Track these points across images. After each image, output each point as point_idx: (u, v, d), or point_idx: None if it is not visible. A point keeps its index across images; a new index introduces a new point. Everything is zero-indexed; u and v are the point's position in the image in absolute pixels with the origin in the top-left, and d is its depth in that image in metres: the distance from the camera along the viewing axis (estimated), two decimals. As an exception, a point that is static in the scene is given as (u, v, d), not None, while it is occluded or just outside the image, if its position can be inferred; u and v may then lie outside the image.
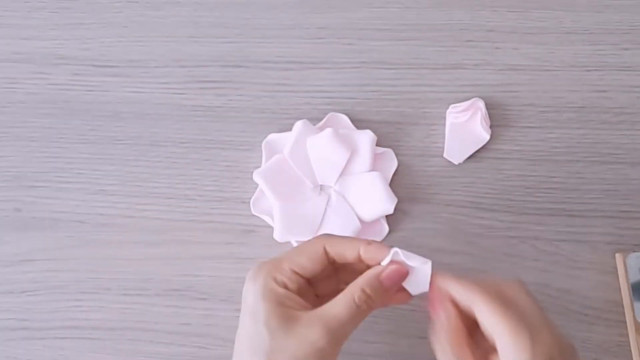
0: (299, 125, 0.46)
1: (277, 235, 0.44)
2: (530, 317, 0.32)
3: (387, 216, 0.45)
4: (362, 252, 0.35)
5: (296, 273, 0.35)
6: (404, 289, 0.35)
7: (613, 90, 0.48)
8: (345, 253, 0.35)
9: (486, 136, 0.46)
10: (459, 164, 0.46)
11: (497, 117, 0.47)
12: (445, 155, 0.47)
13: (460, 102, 0.47)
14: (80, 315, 0.45)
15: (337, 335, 0.33)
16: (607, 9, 0.49)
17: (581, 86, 0.48)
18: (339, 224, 0.45)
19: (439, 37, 0.50)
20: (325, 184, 0.46)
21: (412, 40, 0.50)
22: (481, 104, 0.46)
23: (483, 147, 0.47)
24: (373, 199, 0.44)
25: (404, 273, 0.35)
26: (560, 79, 0.48)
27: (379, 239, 0.45)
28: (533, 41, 0.49)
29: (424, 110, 0.48)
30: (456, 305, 0.34)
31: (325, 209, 0.45)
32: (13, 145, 0.49)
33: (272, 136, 0.47)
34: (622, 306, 0.43)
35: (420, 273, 0.35)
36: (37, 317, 0.46)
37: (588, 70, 0.48)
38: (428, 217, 0.46)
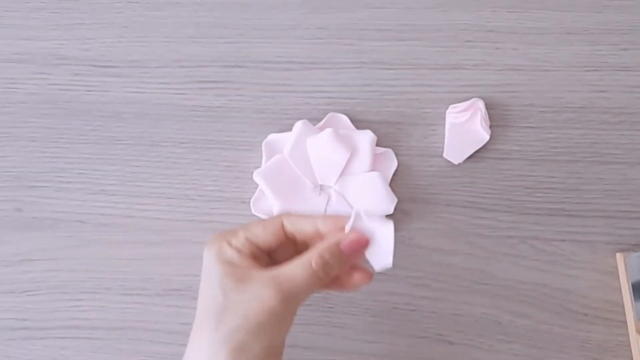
0: (299, 125, 0.46)
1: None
2: None
3: (387, 216, 0.45)
4: (319, 225, 0.35)
5: (250, 241, 0.35)
6: (364, 271, 0.36)
7: (612, 91, 0.48)
8: (304, 228, 0.35)
9: (486, 136, 0.46)
10: (459, 164, 0.46)
11: (497, 117, 0.47)
12: (445, 155, 0.47)
13: (460, 102, 0.47)
14: (80, 315, 0.45)
15: (290, 296, 0.33)
16: (606, 9, 0.49)
17: (581, 86, 0.48)
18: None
19: (439, 38, 0.50)
20: (325, 184, 0.46)
21: (412, 41, 0.50)
22: (481, 104, 0.46)
23: (483, 147, 0.47)
24: (373, 199, 0.44)
25: (364, 242, 0.35)
26: (559, 79, 0.48)
27: None
28: (533, 41, 0.49)
29: (424, 110, 0.48)
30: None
31: (325, 209, 0.45)
32: (14, 146, 0.49)
33: (272, 136, 0.47)
34: (622, 306, 0.44)
35: (382, 242, 0.34)
36: (38, 317, 0.46)
37: (588, 71, 0.48)
38: (428, 217, 0.46)
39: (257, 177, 0.45)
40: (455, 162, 0.46)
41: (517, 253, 0.45)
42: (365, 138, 0.46)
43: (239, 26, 0.51)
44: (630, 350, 0.43)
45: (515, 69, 0.49)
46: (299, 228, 0.35)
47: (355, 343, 0.44)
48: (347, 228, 0.34)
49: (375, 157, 0.46)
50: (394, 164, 0.47)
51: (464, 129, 0.47)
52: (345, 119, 0.48)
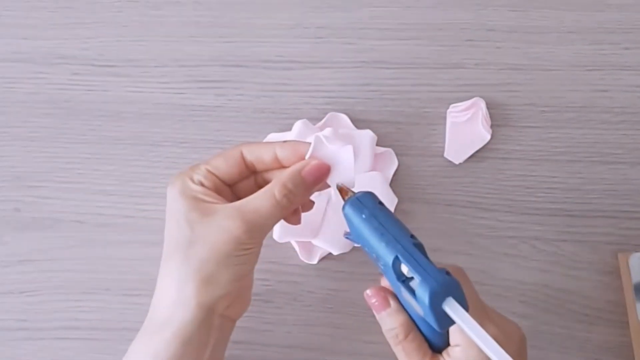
0: (298, 125, 0.46)
1: (277, 236, 0.44)
2: (475, 304, 0.32)
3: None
4: (278, 152, 0.35)
5: (212, 173, 0.35)
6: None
7: (614, 90, 0.48)
8: (263, 156, 0.35)
9: (487, 136, 0.46)
10: (460, 163, 0.46)
11: (497, 117, 0.47)
12: (445, 155, 0.46)
13: (461, 101, 0.47)
14: (80, 315, 0.45)
15: (255, 226, 0.33)
16: (608, 8, 0.49)
17: (582, 86, 0.48)
18: (339, 224, 0.44)
19: (439, 37, 0.49)
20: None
21: (412, 40, 0.50)
22: (482, 103, 0.46)
23: (484, 147, 0.47)
24: None
25: (325, 168, 0.35)
26: (560, 78, 0.48)
27: None
28: (534, 41, 0.49)
29: (424, 110, 0.48)
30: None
31: (326, 209, 0.45)
32: (13, 145, 0.49)
33: (272, 135, 0.47)
34: (623, 306, 0.43)
35: (344, 163, 0.35)
36: (37, 317, 0.46)
37: (589, 70, 0.48)
38: (428, 217, 0.46)
39: None
40: (456, 162, 0.46)
41: (518, 253, 0.45)
42: (366, 137, 0.45)
43: (239, 26, 0.51)
44: (632, 351, 0.43)
45: (516, 68, 0.48)
46: (258, 156, 0.36)
47: (355, 343, 0.44)
48: (308, 155, 0.35)
49: (376, 157, 0.46)
50: (394, 164, 0.47)
51: (464, 128, 0.47)
52: (345, 118, 0.47)
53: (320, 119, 0.47)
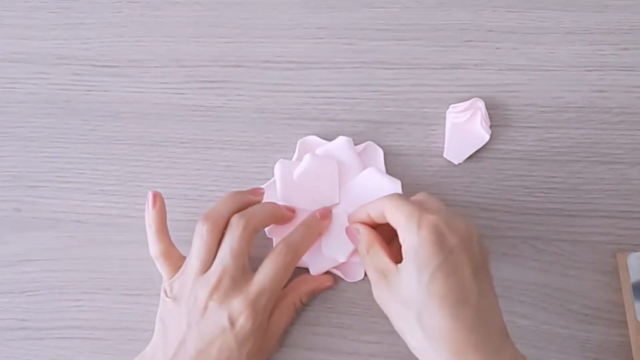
0: (278, 167, 0.45)
1: (314, 271, 0.44)
2: (427, 205, 0.37)
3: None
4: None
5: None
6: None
7: (613, 91, 0.48)
8: None
9: (486, 136, 0.46)
10: (459, 164, 0.46)
11: (497, 117, 0.47)
12: (445, 155, 0.47)
13: (460, 102, 0.47)
14: (80, 315, 0.45)
15: (280, 337, 0.43)
16: (607, 8, 0.49)
17: (581, 86, 0.48)
18: (336, 239, 0.44)
19: (439, 37, 0.50)
20: (332, 204, 0.45)
21: (412, 40, 0.50)
22: (481, 104, 0.46)
23: (483, 147, 0.47)
24: (379, 191, 0.44)
25: (331, 285, 0.44)
26: (560, 79, 0.48)
27: None
28: (533, 41, 0.49)
29: (424, 110, 0.48)
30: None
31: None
32: (13, 145, 0.49)
33: (311, 138, 0.47)
34: (622, 306, 0.43)
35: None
36: (37, 317, 0.46)
37: (588, 70, 0.48)
38: (428, 217, 0.46)
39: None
40: (456, 162, 0.46)
41: (518, 253, 0.45)
42: (342, 145, 0.45)
43: (239, 26, 0.51)
44: (631, 350, 0.43)
45: (515, 68, 0.49)
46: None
47: (355, 343, 0.44)
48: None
49: (360, 155, 0.46)
50: (380, 153, 0.47)
51: (464, 128, 0.47)
52: (315, 138, 0.47)
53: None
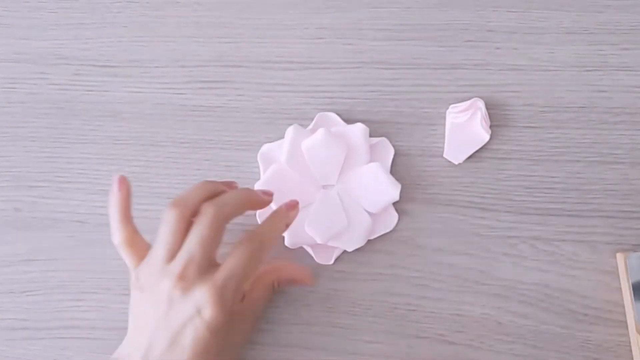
0: (290, 131, 0.46)
1: (289, 242, 0.44)
2: None
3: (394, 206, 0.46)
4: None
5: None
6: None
7: (613, 90, 0.48)
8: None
9: (486, 136, 0.46)
10: (459, 164, 0.46)
11: (497, 117, 0.47)
12: (445, 155, 0.47)
13: (460, 102, 0.47)
14: (81, 315, 0.45)
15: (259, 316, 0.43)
16: (607, 9, 0.49)
17: (581, 86, 0.48)
18: (348, 221, 0.45)
19: (439, 37, 0.50)
20: (327, 184, 0.46)
21: (412, 40, 0.50)
22: (481, 104, 0.46)
23: (483, 147, 0.47)
24: (377, 189, 0.45)
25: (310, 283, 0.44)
26: (560, 79, 0.48)
27: (389, 228, 0.46)
28: (533, 41, 0.49)
29: (424, 110, 0.48)
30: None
31: (334, 210, 0.45)
32: (13, 145, 0.49)
33: (266, 147, 0.47)
34: (622, 306, 0.43)
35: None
36: (38, 317, 0.46)
37: (588, 70, 0.48)
38: (428, 217, 0.46)
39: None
40: (456, 162, 0.46)
41: (518, 253, 0.45)
42: (358, 131, 0.46)
43: (239, 26, 0.51)
44: (631, 351, 0.43)
45: (515, 68, 0.49)
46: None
47: (355, 343, 0.44)
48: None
49: (371, 148, 0.46)
50: (390, 152, 0.47)
51: (464, 128, 0.47)
52: (334, 116, 0.47)
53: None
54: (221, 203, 0.39)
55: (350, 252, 0.45)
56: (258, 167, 0.47)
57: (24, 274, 0.47)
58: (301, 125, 0.47)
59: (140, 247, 0.40)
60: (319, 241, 0.44)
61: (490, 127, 0.47)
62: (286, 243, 0.45)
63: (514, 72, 0.48)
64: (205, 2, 0.52)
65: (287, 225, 0.42)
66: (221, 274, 0.37)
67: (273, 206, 0.45)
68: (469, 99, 0.47)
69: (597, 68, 0.48)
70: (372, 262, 0.45)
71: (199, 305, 0.36)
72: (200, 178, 0.48)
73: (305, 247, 0.45)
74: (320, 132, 0.44)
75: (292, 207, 0.42)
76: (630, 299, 0.42)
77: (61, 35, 0.52)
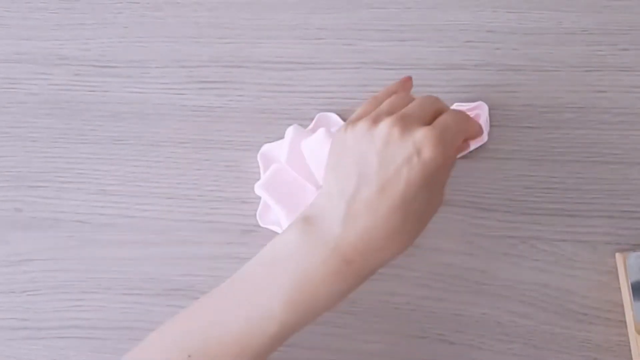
0: (290, 131, 0.46)
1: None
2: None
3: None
4: None
5: None
6: None
7: (612, 91, 0.48)
8: None
9: (485, 137, 0.46)
10: (459, 164, 0.46)
11: (497, 117, 0.47)
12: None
13: (461, 102, 0.47)
14: (81, 315, 0.45)
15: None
16: (606, 9, 0.49)
17: (581, 86, 0.48)
18: None
19: (439, 38, 0.50)
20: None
21: (412, 41, 0.50)
22: (485, 108, 0.46)
23: (483, 147, 0.47)
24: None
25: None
26: (559, 79, 0.48)
27: None
28: (533, 42, 0.49)
29: (424, 110, 0.48)
30: None
31: None
32: (14, 146, 0.49)
33: (266, 147, 0.47)
34: (622, 306, 0.43)
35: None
36: (38, 317, 0.46)
37: (587, 71, 0.48)
38: (428, 217, 0.46)
39: (259, 190, 0.45)
40: (471, 148, 0.46)
41: (518, 253, 0.45)
42: None
43: (239, 26, 0.51)
44: (630, 350, 0.43)
45: (515, 69, 0.49)
46: None
47: (355, 343, 0.44)
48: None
49: None
50: None
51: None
52: (334, 117, 0.47)
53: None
54: (447, 114, 0.36)
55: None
56: (258, 167, 0.47)
57: (24, 274, 0.47)
58: (301, 125, 0.47)
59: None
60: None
61: (490, 127, 0.47)
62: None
63: (514, 72, 0.48)
64: (205, 2, 0.52)
65: (467, 140, 0.41)
66: (439, 123, 0.35)
67: (273, 207, 0.45)
68: (469, 99, 0.47)
69: (597, 68, 0.48)
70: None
71: (419, 145, 0.33)
72: (200, 178, 0.48)
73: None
74: (321, 132, 0.44)
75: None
76: (630, 298, 0.42)
77: (62, 36, 0.52)
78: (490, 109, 0.47)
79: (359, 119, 0.36)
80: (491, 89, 0.48)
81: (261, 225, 0.46)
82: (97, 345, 0.45)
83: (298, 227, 0.35)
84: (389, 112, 0.35)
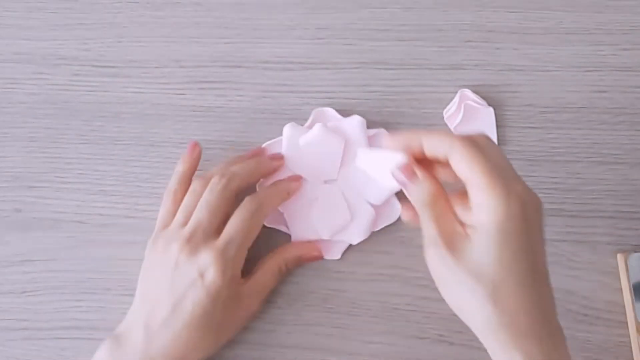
0: (287, 129, 0.46)
1: (296, 239, 0.45)
2: (501, 167, 0.32)
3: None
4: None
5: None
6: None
7: (613, 91, 0.48)
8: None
9: (490, 109, 0.46)
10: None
11: (497, 117, 0.47)
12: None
13: (467, 101, 0.47)
14: (80, 315, 0.45)
15: (265, 298, 0.43)
16: (607, 9, 0.49)
17: (581, 86, 0.48)
18: (351, 214, 0.45)
19: (439, 38, 0.50)
20: (328, 179, 0.46)
21: (412, 41, 0.50)
22: (467, 92, 0.46)
23: (483, 148, 0.47)
24: (378, 180, 0.44)
25: (320, 256, 0.44)
26: (560, 79, 0.48)
27: (392, 219, 0.45)
28: (533, 41, 0.49)
29: (424, 110, 0.48)
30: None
31: (337, 204, 0.45)
32: (13, 146, 0.49)
33: (266, 145, 0.47)
34: (622, 306, 0.43)
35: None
36: (37, 317, 0.46)
37: (588, 71, 0.48)
38: (428, 218, 0.46)
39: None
40: None
41: (518, 253, 0.45)
42: (355, 124, 0.46)
43: (239, 26, 0.51)
44: (631, 351, 0.43)
45: (515, 69, 0.49)
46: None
47: (355, 343, 0.44)
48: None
49: (370, 140, 0.46)
50: None
51: (467, 125, 0.47)
52: (331, 111, 0.47)
53: (319, 120, 0.47)
54: (231, 173, 0.41)
55: (350, 252, 0.45)
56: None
57: (24, 274, 0.46)
58: (301, 125, 0.47)
59: (177, 206, 0.42)
60: (325, 237, 0.44)
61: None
62: (293, 237, 0.45)
63: (514, 72, 0.48)
64: (205, 2, 0.52)
65: (289, 194, 0.44)
66: (223, 238, 0.39)
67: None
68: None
69: (597, 68, 0.48)
70: (372, 262, 0.45)
71: (202, 269, 0.38)
72: (200, 178, 0.48)
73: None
74: (317, 127, 0.45)
75: (295, 179, 0.44)
76: (631, 299, 0.42)
77: (61, 36, 0.52)
78: (490, 109, 0.47)
79: (162, 220, 0.42)
80: (491, 89, 0.48)
81: (266, 224, 0.45)
82: (96, 346, 0.44)
83: (107, 346, 0.39)
84: (185, 219, 0.41)
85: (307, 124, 0.47)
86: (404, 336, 0.44)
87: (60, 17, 0.52)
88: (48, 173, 0.48)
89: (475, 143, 0.33)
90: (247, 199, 0.41)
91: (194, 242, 0.39)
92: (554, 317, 0.33)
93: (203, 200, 0.40)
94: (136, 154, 0.48)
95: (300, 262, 0.44)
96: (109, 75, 0.50)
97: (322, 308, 0.45)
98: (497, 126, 0.47)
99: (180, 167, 0.43)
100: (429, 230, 0.34)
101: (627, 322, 0.43)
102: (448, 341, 0.44)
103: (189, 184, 0.43)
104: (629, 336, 0.43)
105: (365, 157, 0.38)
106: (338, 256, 0.45)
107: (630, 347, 0.43)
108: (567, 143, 0.47)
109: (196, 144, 0.44)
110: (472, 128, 0.47)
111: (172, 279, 0.39)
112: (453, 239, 0.33)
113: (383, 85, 0.49)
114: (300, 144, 0.45)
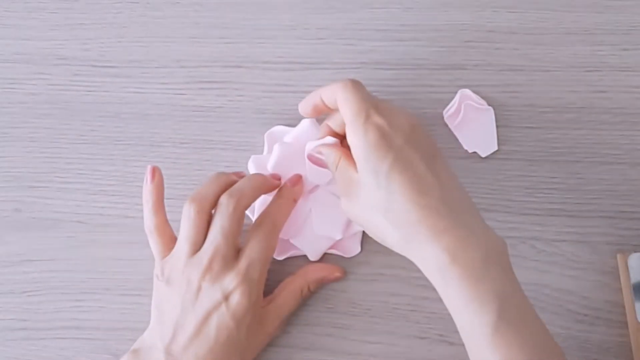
0: (251, 164, 0.45)
1: (312, 257, 0.45)
2: (378, 102, 0.38)
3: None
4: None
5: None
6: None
7: (613, 91, 0.48)
8: None
9: (490, 108, 0.46)
10: (460, 164, 0.46)
11: (497, 117, 0.47)
12: (473, 150, 0.46)
13: (468, 101, 0.47)
14: (80, 315, 0.45)
15: (285, 319, 0.43)
16: (606, 9, 0.49)
17: (581, 87, 0.48)
18: (327, 217, 0.45)
19: (439, 38, 0.50)
20: (311, 188, 0.45)
21: (412, 41, 0.50)
22: (467, 92, 0.46)
23: (483, 148, 0.47)
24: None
25: (341, 276, 0.45)
26: (560, 79, 0.48)
27: None
28: (533, 42, 0.49)
29: (424, 111, 0.48)
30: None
31: (309, 211, 0.45)
32: (13, 146, 0.49)
33: (277, 128, 0.47)
34: (622, 306, 0.43)
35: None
36: (37, 317, 0.46)
37: (588, 71, 0.48)
38: (428, 218, 0.46)
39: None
40: (483, 155, 0.46)
41: (517, 253, 0.45)
42: (308, 127, 0.45)
43: (240, 26, 0.51)
44: (631, 351, 0.43)
45: (515, 69, 0.49)
46: None
47: (355, 343, 0.44)
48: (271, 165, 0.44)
49: None
50: None
51: (468, 124, 0.47)
52: (280, 127, 0.47)
53: (321, 120, 0.47)
54: (239, 194, 0.40)
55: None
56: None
57: (24, 274, 0.46)
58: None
59: (169, 237, 0.42)
60: (337, 237, 0.44)
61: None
62: (310, 258, 0.45)
63: (514, 72, 0.48)
64: (205, 2, 0.52)
65: (295, 201, 0.43)
66: (244, 260, 0.39)
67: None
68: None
69: (597, 69, 0.48)
70: (372, 262, 0.45)
71: (227, 292, 0.38)
72: (200, 178, 0.48)
73: (329, 251, 0.45)
74: (276, 147, 0.44)
75: (295, 182, 0.44)
76: (631, 299, 0.42)
77: (61, 36, 0.52)
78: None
79: (161, 254, 0.41)
80: (491, 89, 0.48)
81: (278, 259, 0.45)
82: (96, 346, 0.45)
83: None
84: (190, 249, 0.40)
85: (265, 150, 0.47)
86: (404, 336, 0.44)
87: (60, 17, 0.52)
88: (48, 173, 0.48)
89: (355, 85, 0.38)
90: (259, 219, 0.41)
91: (216, 270, 0.39)
92: (467, 216, 0.36)
93: (217, 226, 0.39)
94: (136, 154, 0.48)
95: (323, 284, 0.44)
96: (109, 75, 0.50)
97: (322, 308, 0.45)
98: (497, 126, 0.47)
99: (148, 198, 0.41)
100: (339, 186, 0.40)
101: (626, 322, 0.43)
102: (448, 341, 0.44)
103: (164, 210, 0.42)
104: (628, 336, 0.43)
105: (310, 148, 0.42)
106: (358, 249, 0.45)
107: (630, 347, 0.43)
108: (567, 143, 0.47)
109: (154, 169, 0.42)
110: (472, 128, 0.47)
111: (194, 304, 0.38)
112: (350, 187, 0.38)
113: (383, 86, 0.49)
114: (269, 169, 0.44)
